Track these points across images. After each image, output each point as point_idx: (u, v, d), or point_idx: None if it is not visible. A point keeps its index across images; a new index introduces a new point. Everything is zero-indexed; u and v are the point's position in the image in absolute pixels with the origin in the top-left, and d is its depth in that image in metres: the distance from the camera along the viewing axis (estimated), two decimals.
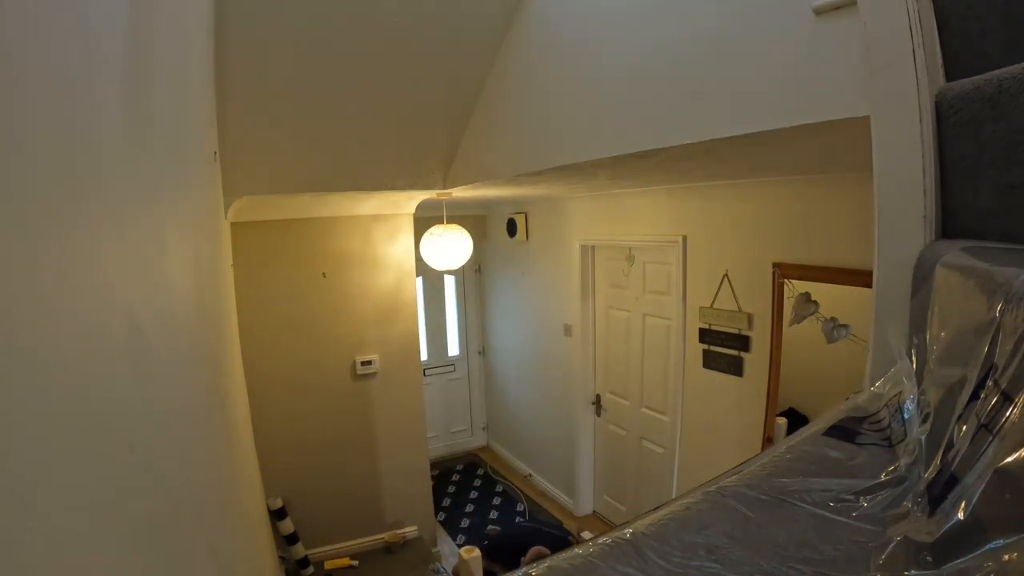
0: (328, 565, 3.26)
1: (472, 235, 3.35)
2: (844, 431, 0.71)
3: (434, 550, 3.57)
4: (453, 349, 5.54)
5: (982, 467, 0.41)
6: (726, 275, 2.82)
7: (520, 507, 4.49)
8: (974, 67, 0.76)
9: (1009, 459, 0.38)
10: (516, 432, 5.14)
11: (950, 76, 0.79)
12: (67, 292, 0.47)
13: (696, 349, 3.04)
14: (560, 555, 0.53)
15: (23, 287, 0.39)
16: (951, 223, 0.77)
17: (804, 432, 0.73)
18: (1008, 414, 0.40)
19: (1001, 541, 0.37)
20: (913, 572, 0.44)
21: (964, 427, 0.47)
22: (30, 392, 0.39)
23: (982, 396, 0.45)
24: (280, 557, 3.10)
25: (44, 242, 0.43)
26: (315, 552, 3.30)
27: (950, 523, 0.42)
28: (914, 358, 0.69)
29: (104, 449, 0.53)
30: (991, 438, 0.41)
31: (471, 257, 3.38)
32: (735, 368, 2.81)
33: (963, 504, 0.42)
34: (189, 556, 0.82)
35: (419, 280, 4.12)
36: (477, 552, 2.40)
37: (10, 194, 0.38)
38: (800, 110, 1.12)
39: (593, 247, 3.91)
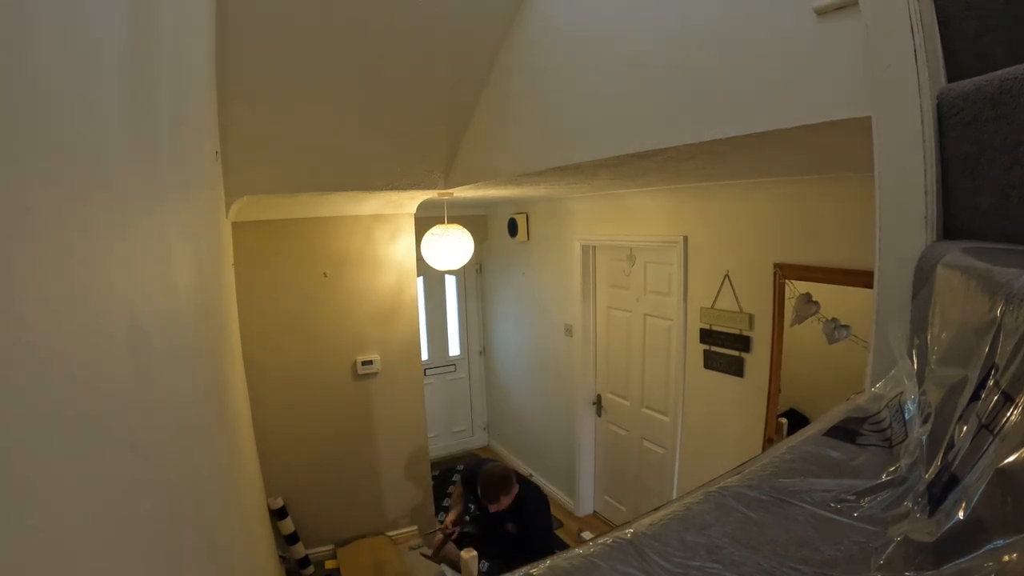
0: (328, 565, 3.26)
1: (473, 235, 3.35)
2: (845, 432, 0.71)
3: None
4: (454, 349, 5.54)
5: (983, 467, 0.41)
6: (727, 276, 2.82)
7: None
8: (975, 67, 0.75)
9: (1010, 459, 0.38)
10: (517, 432, 5.14)
11: (951, 76, 0.78)
12: (69, 292, 0.47)
13: (697, 349, 3.03)
14: (561, 555, 0.53)
15: (26, 287, 0.39)
16: (952, 224, 0.76)
17: (805, 432, 0.73)
18: (1009, 414, 0.40)
19: (1001, 541, 0.37)
20: (913, 572, 0.44)
21: (965, 427, 0.47)
22: (31, 391, 0.39)
23: (983, 396, 0.45)
24: (280, 557, 3.10)
25: (47, 242, 0.43)
26: (315, 552, 3.30)
27: (950, 523, 0.42)
28: (915, 358, 0.69)
29: (105, 448, 0.53)
30: (992, 438, 0.41)
31: (472, 257, 3.38)
32: (736, 369, 2.81)
33: (963, 504, 0.42)
34: (190, 555, 0.82)
35: (420, 280, 4.12)
36: (475, 552, 2.40)
37: (13, 194, 0.38)
38: (801, 110, 1.12)
39: (594, 247, 3.91)
